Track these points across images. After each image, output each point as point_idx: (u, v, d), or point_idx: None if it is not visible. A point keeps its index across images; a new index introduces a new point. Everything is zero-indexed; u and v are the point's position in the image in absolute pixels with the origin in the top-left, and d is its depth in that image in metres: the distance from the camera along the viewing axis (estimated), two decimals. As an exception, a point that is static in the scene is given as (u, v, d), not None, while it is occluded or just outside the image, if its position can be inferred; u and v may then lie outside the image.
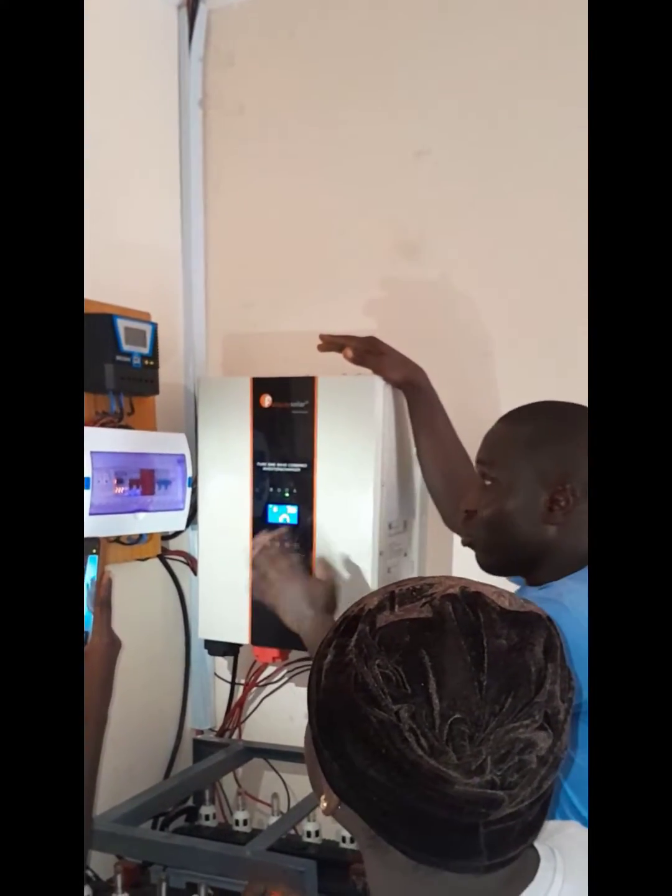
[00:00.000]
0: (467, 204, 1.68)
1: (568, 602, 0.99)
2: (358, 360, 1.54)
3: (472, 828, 0.61)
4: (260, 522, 1.63)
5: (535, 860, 0.69)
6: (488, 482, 1.15)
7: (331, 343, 1.57)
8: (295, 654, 1.74)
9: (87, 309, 1.54)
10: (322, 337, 1.58)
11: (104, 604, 1.08)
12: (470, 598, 0.64)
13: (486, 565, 1.18)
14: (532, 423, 1.15)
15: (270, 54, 1.88)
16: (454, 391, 1.69)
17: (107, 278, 1.65)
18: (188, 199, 1.90)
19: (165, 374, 1.76)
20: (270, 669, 1.81)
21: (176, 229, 1.90)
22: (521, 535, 1.13)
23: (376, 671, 0.62)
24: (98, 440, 1.45)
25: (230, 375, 1.85)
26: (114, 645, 1.08)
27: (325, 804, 0.69)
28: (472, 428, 1.63)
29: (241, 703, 1.84)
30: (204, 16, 1.91)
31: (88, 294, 1.55)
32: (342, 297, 1.79)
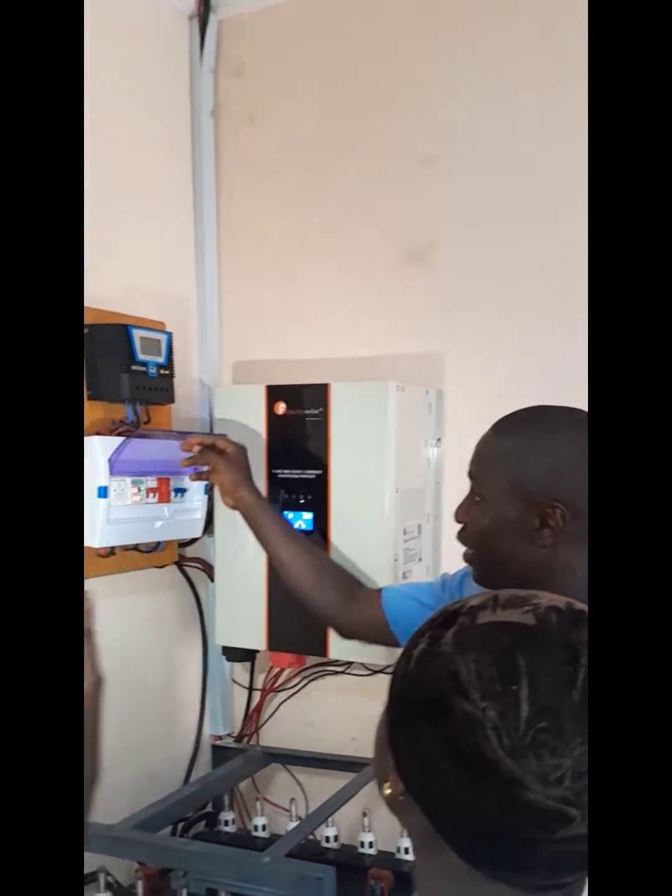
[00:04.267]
0: (474, 211, 1.69)
1: None
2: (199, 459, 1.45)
3: (537, 841, 0.59)
4: (275, 529, 1.64)
5: None
6: (477, 497, 1.08)
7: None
8: (311, 660, 1.75)
9: (103, 320, 1.56)
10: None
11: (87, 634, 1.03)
12: (575, 615, 0.63)
13: (480, 580, 1.11)
14: (516, 434, 1.05)
15: (280, 63, 1.89)
16: (463, 401, 1.70)
17: (121, 289, 1.67)
18: (201, 209, 1.91)
19: (180, 382, 1.78)
20: (288, 675, 1.82)
21: (189, 239, 1.91)
22: (509, 554, 1.04)
23: (471, 665, 0.61)
24: (113, 449, 1.46)
25: (244, 383, 1.86)
26: (98, 684, 1.03)
27: (388, 791, 0.67)
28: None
29: (258, 709, 1.85)
30: (214, 26, 1.93)
31: (103, 304, 1.57)
32: (353, 305, 1.80)
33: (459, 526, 1.13)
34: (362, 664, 1.70)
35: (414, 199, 1.74)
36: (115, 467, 1.46)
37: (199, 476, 1.49)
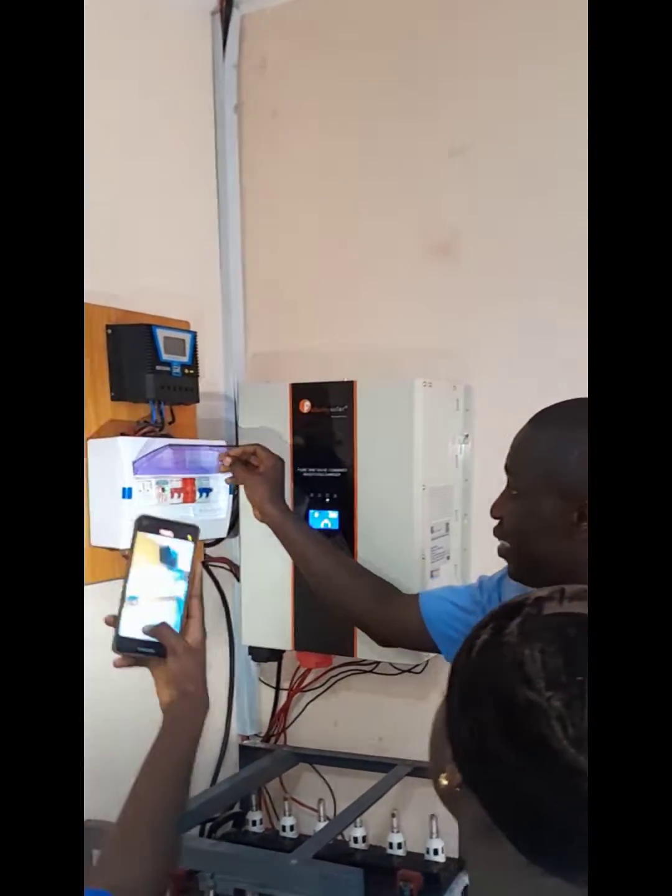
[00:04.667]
0: (504, 201, 1.66)
1: None
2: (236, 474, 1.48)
3: None
4: (301, 528, 1.63)
5: None
6: (514, 491, 1.07)
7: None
8: (338, 659, 1.73)
9: (127, 320, 1.55)
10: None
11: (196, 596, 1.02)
12: None
13: (515, 576, 1.11)
14: (554, 426, 1.04)
15: (304, 57, 1.87)
16: (492, 396, 1.68)
17: (145, 288, 1.66)
18: (225, 206, 1.90)
19: (206, 381, 1.77)
20: (315, 674, 1.81)
21: (214, 236, 1.90)
22: (545, 550, 1.03)
23: (536, 655, 0.61)
24: (138, 450, 1.46)
25: (269, 380, 1.85)
26: (204, 639, 1.03)
27: (444, 782, 0.67)
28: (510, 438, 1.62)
29: (285, 709, 1.84)
30: (237, 21, 1.91)
31: (127, 304, 1.57)
32: (379, 299, 1.78)
33: (495, 521, 1.12)
34: (390, 664, 1.68)
35: (442, 191, 1.71)
36: (139, 467, 1.46)
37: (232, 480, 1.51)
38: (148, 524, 1.01)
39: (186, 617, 1.00)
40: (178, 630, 0.99)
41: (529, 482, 1.04)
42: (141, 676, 0.99)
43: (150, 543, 1.01)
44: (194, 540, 1.02)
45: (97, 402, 1.50)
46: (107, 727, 1.42)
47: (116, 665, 0.99)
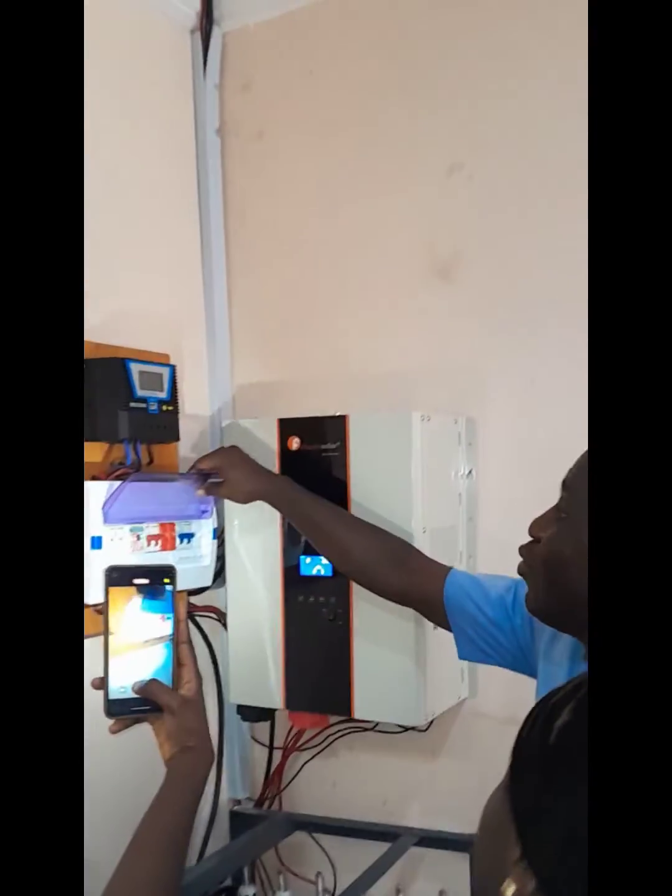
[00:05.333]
0: (506, 219, 1.54)
1: None
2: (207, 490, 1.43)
3: None
4: (292, 575, 1.50)
5: None
6: (563, 513, 0.90)
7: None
8: (335, 716, 1.60)
9: (99, 354, 1.44)
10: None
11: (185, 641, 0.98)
12: None
13: (535, 609, 0.95)
14: None
15: (289, 75, 1.77)
16: (497, 428, 1.55)
17: (123, 319, 1.55)
18: (208, 232, 1.79)
19: (190, 418, 1.66)
20: (311, 732, 1.67)
21: (196, 263, 1.79)
22: (582, 589, 0.89)
23: None
24: (108, 495, 1.34)
25: (257, 413, 1.73)
26: (200, 683, 0.98)
27: (511, 890, 0.54)
28: (529, 459, 1.50)
29: (280, 770, 1.70)
30: (218, 39, 1.82)
31: (102, 336, 1.46)
32: (374, 327, 1.67)
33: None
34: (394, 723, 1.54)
35: (440, 210, 1.60)
36: (110, 515, 1.33)
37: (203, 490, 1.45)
38: (118, 576, 0.96)
39: (177, 666, 0.96)
40: (170, 681, 0.95)
41: (584, 508, 0.84)
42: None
43: (124, 595, 0.95)
44: (172, 582, 0.97)
45: (67, 443, 1.39)
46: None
47: (112, 731, 0.94)
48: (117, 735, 0.95)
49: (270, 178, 1.79)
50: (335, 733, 1.63)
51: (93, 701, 0.91)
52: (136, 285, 1.62)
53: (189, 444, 1.67)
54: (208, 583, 1.54)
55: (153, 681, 0.94)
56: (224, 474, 1.40)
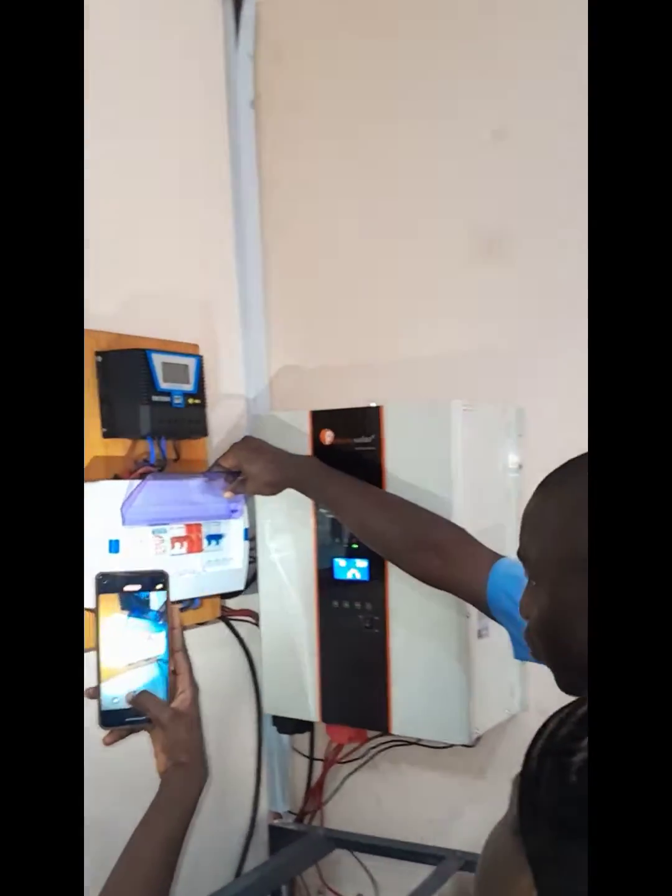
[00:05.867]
0: (555, 192, 1.40)
1: None
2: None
3: None
4: (326, 578, 1.40)
5: None
6: (533, 582, 0.80)
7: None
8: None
9: (119, 345, 1.35)
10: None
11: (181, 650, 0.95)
12: None
13: (559, 685, 0.83)
14: (565, 490, 0.77)
15: (325, 44, 1.66)
16: (549, 418, 1.42)
17: (152, 305, 1.47)
18: (241, 211, 1.69)
19: (224, 407, 1.57)
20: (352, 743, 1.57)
21: (229, 246, 1.69)
22: (578, 651, 0.71)
23: None
24: (126, 495, 1.25)
25: (295, 407, 1.63)
26: (196, 692, 0.94)
27: None
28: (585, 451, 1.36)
29: (321, 783, 1.60)
30: (251, 8, 1.71)
31: (127, 324, 1.38)
32: (415, 311, 1.55)
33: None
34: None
35: (484, 181, 1.47)
36: (128, 516, 1.25)
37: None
38: (108, 583, 0.92)
39: (173, 674, 0.93)
40: (165, 690, 0.92)
41: (541, 565, 0.77)
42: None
43: (115, 602, 0.92)
44: (166, 587, 0.94)
45: (86, 439, 1.31)
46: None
47: (105, 743, 0.91)
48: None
49: (306, 151, 1.68)
50: (377, 747, 1.53)
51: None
52: (164, 271, 1.53)
53: (223, 437, 1.58)
54: (240, 586, 1.44)
55: (144, 692, 0.91)
56: (244, 469, 1.31)
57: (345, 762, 1.57)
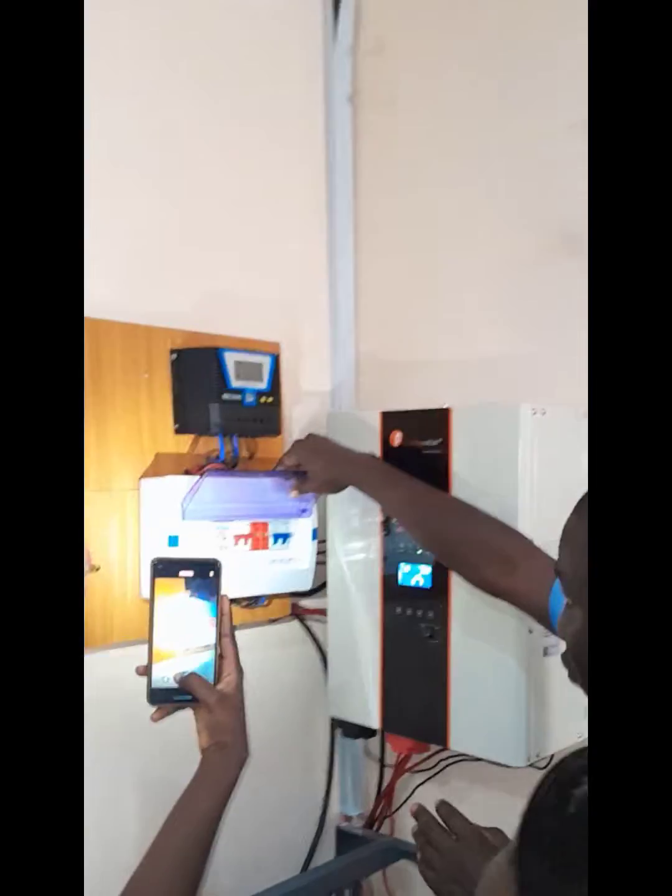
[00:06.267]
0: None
1: None
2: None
3: None
4: (391, 584, 1.37)
5: None
6: (568, 601, 0.79)
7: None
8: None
9: (195, 343, 1.38)
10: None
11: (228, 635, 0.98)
12: None
13: None
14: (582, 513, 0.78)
15: (425, 38, 1.61)
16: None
17: (240, 303, 1.49)
18: (335, 209, 1.68)
19: (303, 408, 1.57)
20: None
21: (322, 244, 1.69)
22: None
23: None
24: (187, 490, 1.27)
25: (371, 408, 1.60)
26: (241, 676, 0.98)
27: None
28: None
29: (391, 790, 1.57)
30: (352, 0, 1.69)
31: (212, 321, 1.41)
32: (506, 312, 1.48)
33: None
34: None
35: (567, 174, 1.38)
36: (188, 511, 1.27)
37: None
38: (163, 568, 0.97)
39: (220, 657, 0.97)
40: (212, 673, 0.96)
41: (581, 585, 0.74)
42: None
43: (170, 586, 0.97)
44: (218, 575, 0.98)
45: (155, 435, 1.34)
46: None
47: (153, 719, 0.96)
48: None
49: (403, 149, 1.64)
50: (447, 759, 1.48)
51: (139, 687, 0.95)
52: (256, 267, 1.54)
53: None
54: (306, 587, 1.44)
55: (192, 674, 0.95)
56: (306, 467, 1.30)
57: (414, 771, 1.53)
